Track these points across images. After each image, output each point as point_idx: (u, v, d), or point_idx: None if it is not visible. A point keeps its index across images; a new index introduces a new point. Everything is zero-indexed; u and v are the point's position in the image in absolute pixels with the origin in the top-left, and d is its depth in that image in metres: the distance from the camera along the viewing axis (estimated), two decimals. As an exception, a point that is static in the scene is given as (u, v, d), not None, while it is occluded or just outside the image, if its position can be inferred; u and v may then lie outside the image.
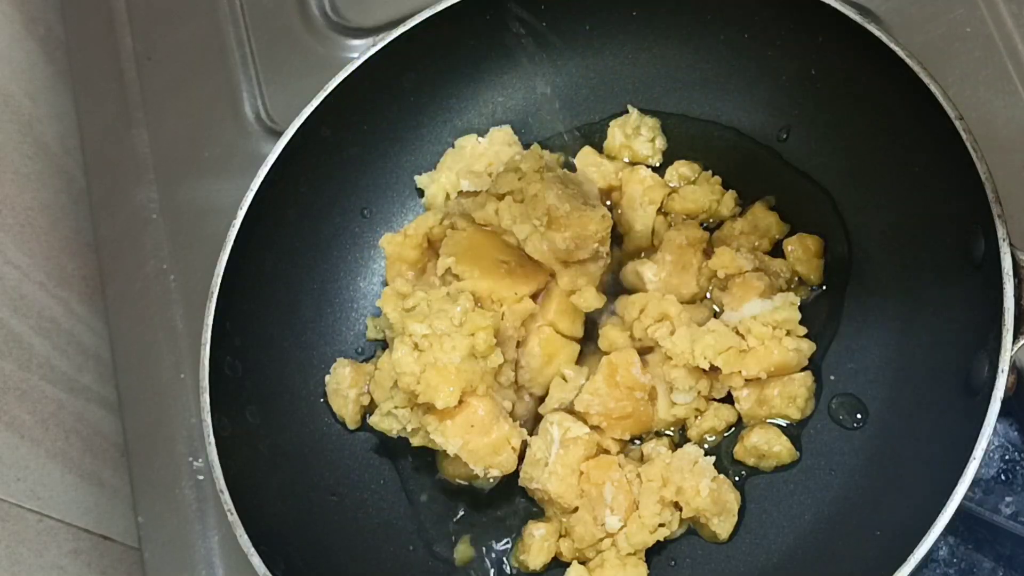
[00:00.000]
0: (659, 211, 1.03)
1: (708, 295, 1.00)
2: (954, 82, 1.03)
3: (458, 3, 1.02)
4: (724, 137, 1.06)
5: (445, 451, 0.93)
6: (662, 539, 0.92)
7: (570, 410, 0.96)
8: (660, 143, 1.07)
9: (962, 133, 0.86)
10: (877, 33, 0.91)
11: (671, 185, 1.05)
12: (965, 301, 0.88)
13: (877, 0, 1.08)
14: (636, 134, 1.07)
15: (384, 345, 1.04)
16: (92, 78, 1.27)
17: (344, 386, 1.01)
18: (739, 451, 0.94)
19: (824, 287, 0.99)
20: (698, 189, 1.03)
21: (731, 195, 1.03)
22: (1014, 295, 0.81)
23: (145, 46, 1.26)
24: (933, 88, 0.88)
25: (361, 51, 1.07)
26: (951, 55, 1.05)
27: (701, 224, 1.03)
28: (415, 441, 0.95)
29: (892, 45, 0.90)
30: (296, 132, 1.01)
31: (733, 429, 0.96)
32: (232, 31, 1.25)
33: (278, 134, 1.03)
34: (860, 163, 1.00)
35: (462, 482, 0.99)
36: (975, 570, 0.94)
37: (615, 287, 1.03)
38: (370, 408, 1.01)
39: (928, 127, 0.89)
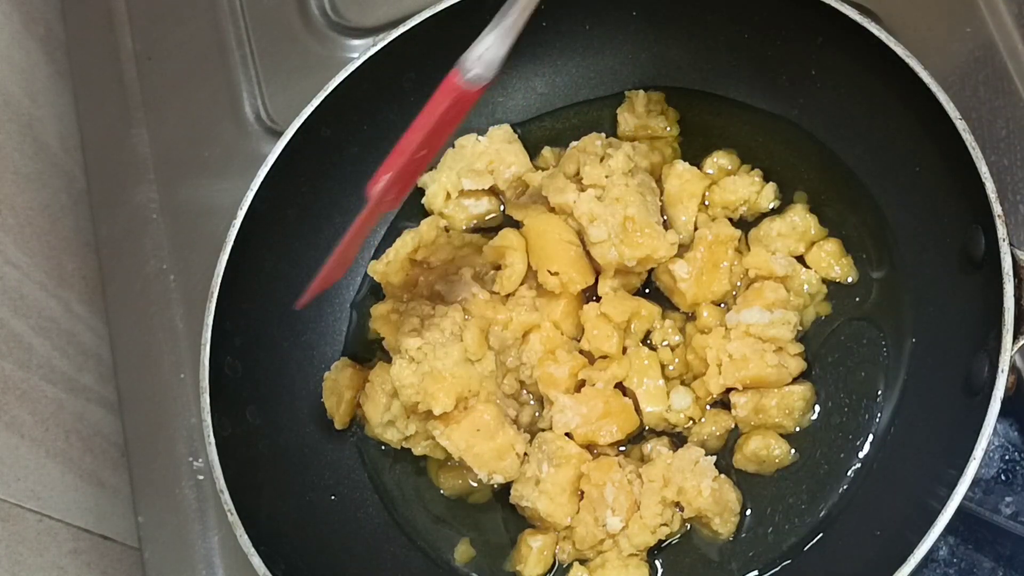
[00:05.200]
0: (702, 206, 1.03)
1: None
2: (954, 82, 1.03)
3: (458, 3, 1.02)
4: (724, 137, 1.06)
5: (441, 463, 0.94)
6: (664, 538, 0.92)
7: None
8: (672, 113, 1.07)
9: (962, 133, 0.86)
10: (877, 33, 0.91)
11: (709, 173, 1.04)
12: (965, 301, 0.88)
13: (877, 0, 1.08)
14: (646, 112, 1.06)
15: (383, 346, 1.04)
16: (92, 78, 1.27)
17: (342, 385, 1.01)
18: (739, 460, 0.94)
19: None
20: (738, 180, 1.02)
21: (771, 187, 1.02)
22: (1014, 295, 0.81)
23: (145, 46, 1.26)
24: (933, 88, 0.88)
25: (361, 51, 1.07)
26: (951, 55, 1.05)
27: (738, 217, 1.02)
28: (417, 451, 0.96)
29: (892, 45, 0.90)
30: (296, 132, 1.01)
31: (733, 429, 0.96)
32: (232, 31, 1.25)
33: (278, 134, 1.03)
34: (860, 163, 1.00)
35: (456, 494, 0.99)
36: (975, 570, 0.94)
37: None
38: (362, 414, 1.02)
39: (928, 127, 0.90)
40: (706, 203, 1.03)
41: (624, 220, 0.95)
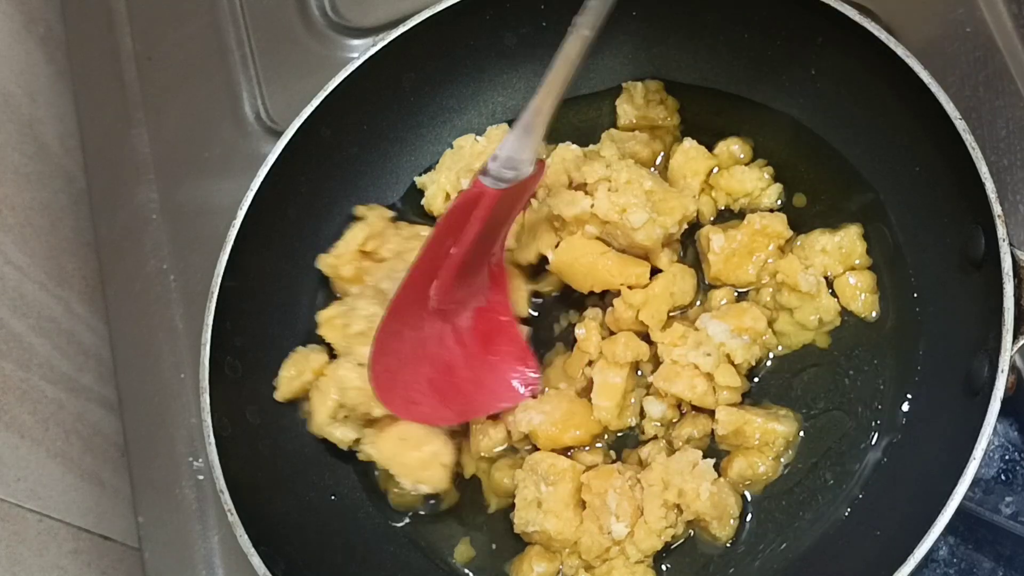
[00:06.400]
0: (705, 184, 1.03)
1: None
2: (954, 82, 1.03)
3: (458, 3, 1.02)
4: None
5: (389, 474, 0.96)
6: (669, 541, 0.91)
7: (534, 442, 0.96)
8: (672, 102, 1.07)
9: (962, 133, 0.86)
10: (877, 33, 0.91)
11: (720, 165, 1.04)
12: (965, 301, 0.88)
13: (877, 0, 1.08)
14: (645, 103, 1.07)
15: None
16: (92, 78, 1.27)
17: (304, 365, 1.00)
18: (730, 481, 0.93)
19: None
20: (748, 172, 1.02)
21: (777, 188, 1.02)
22: (1014, 295, 0.81)
23: (145, 46, 1.26)
24: (933, 88, 0.88)
25: (361, 51, 1.07)
26: (951, 55, 1.05)
27: (737, 209, 1.02)
28: (361, 456, 0.97)
29: (892, 45, 0.90)
30: (296, 132, 1.01)
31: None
32: (232, 31, 1.25)
33: (278, 134, 1.03)
34: (860, 163, 1.00)
35: (405, 507, 0.99)
36: (975, 570, 0.94)
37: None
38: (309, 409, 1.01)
39: (928, 127, 0.90)
40: (708, 185, 1.03)
41: (647, 195, 0.95)
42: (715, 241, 0.98)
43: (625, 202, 0.95)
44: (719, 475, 0.92)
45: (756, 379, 0.97)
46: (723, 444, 0.94)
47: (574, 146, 1.02)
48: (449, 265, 0.92)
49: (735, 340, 0.94)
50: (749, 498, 0.94)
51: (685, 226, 0.99)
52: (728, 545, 0.92)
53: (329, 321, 1.00)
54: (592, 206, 0.96)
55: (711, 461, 0.92)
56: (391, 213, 1.07)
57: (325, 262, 1.04)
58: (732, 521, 0.92)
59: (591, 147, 1.04)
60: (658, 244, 0.97)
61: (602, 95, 1.10)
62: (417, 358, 0.96)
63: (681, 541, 0.93)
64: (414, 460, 0.93)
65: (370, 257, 1.04)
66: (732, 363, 0.94)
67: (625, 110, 1.08)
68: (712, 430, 0.95)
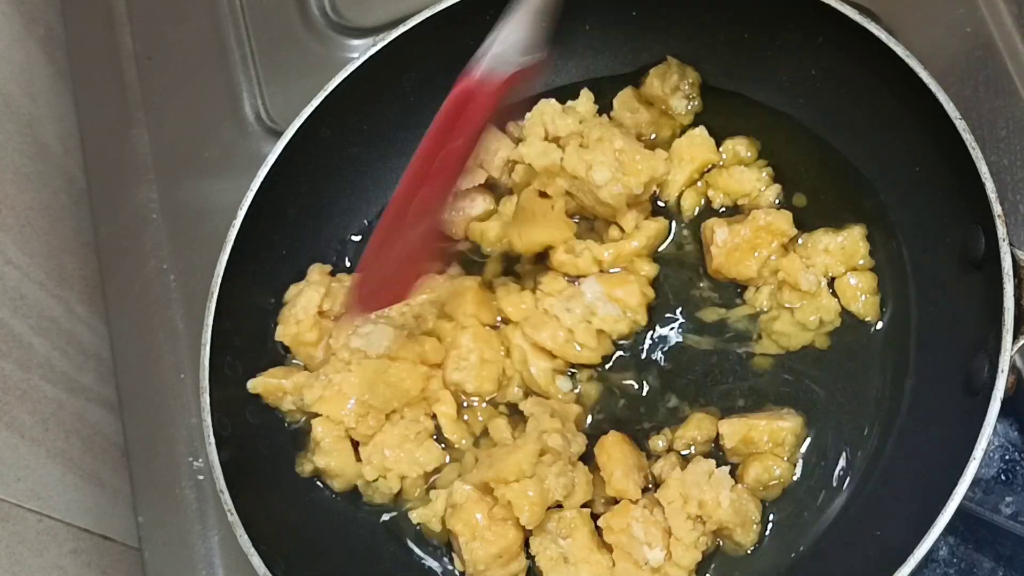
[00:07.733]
0: (700, 178, 1.03)
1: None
2: (954, 82, 1.03)
3: (458, 3, 1.02)
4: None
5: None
6: (705, 550, 0.90)
7: None
8: (696, 105, 1.06)
9: (962, 133, 0.86)
10: (877, 33, 0.91)
11: (722, 161, 1.04)
12: (965, 301, 0.88)
13: (877, 0, 1.08)
14: (675, 91, 1.05)
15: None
16: (92, 78, 1.27)
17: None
18: (748, 488, 0.92)
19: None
20: (747, 172, 1.02)
21: (776, 188, 1.02)
22: (1014, 295, 0.81)
23: (145, 46, 1.26)
24: (933, 88, 0.88)
25: (361, 51, 1.07)
26: (951, 55, 1.05)
27: (738, 206, 1.02)
28: (414, 517, 0.96)
29: (892, 45, 0.90)
30: (296, 132, 1.01)
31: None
32: (232, 31, 1.25)
33: (278, 134, 1.03)
34: (860, 163, 1.00)
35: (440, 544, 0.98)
36: (975, 570, 0.94)
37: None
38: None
39: (928, 127, 0.90)
40: (703, 182, 1.04)
41: (616, 154, 0.95)
42: (719, 234, 0.98)
43: (592, 159, 0.95)
44: (736, 482, 0.92)
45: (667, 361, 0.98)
46: (734, 456, 0.94)
47: (554, 101, 1.03)
48: (455, 161, 0.87)
49: (606, 306, 0.95)
50: (766, 503, 0.93)
51: (654, 189, 0.98)
52: (751, 551, 0.91)
53: (320, 402, 0.96)
54: (562, 160, 0.96)
55: (726, 468, 0.91)
56: (328, 267, 1.04)
57: (285, 334, 1.00)
58: (755, 527, 0.91)
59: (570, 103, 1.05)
60: (622, 203, 0.96)
61: (602, 95, 1.10)
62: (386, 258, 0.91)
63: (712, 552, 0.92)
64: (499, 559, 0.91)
65: (325, 316, 1.01)
66: (598, 328, 0.96)
67: (653, 82, 1.06)
68: (716, 435, 0.94)
